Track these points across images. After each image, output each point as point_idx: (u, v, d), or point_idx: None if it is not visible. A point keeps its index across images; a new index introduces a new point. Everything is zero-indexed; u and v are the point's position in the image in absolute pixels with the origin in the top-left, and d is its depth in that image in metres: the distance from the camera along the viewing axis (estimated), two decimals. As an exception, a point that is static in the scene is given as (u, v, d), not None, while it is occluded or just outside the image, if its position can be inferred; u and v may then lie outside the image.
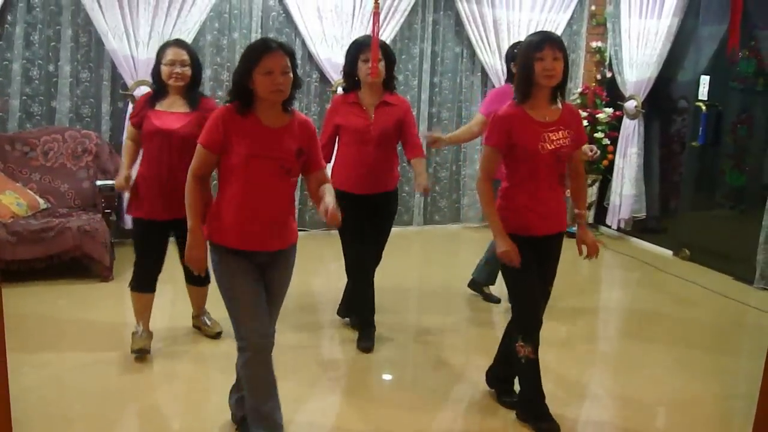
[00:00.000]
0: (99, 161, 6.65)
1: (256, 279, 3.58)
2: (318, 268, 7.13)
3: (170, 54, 4.63)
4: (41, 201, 6.32)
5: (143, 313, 4.89)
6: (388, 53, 4.91)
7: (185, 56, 4.65)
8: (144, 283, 4.83)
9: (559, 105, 4.01)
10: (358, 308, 5.34)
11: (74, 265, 6.15)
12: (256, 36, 7.46)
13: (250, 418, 3.65)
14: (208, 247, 3.61)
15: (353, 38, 7.48)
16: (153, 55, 6.75)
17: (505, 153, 3.96)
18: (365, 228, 5.03)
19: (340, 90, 7.71)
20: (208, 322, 5.22)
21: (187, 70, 4.64)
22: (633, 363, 5.13)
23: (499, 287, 5.87)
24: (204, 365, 4.82)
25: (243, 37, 7.45)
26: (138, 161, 4.86)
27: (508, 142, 3.90)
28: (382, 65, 4.81)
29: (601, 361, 5.22)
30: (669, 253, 7.93)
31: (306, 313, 5.80)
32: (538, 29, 8.17)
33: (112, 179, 6.56)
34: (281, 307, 3.80)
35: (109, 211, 6.47)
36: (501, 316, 5.90)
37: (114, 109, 7.13)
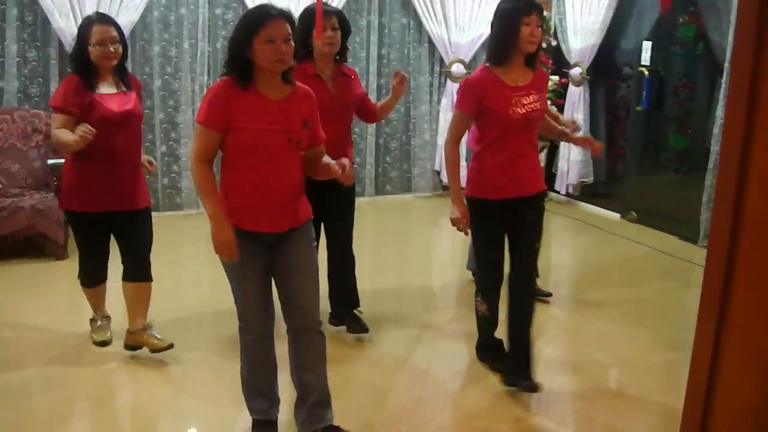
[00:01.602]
0: (49, 140, 6.61)
1: (262, 264, 3.42)
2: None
3: (98, 33, 4.18)
4: (-8, 182, 6.29)
5: (98, 302, 4.79)
6: (344, 22, 4.64)
7: (114, 33, 4.23)
8: (94, 278, 4.67)
9: (532, 71, 4.06)
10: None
11: (28, 244, 6.15)
12: (203, 11, 7.47)
13: (247, 391, 3.61)
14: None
15: (300, 11, 7.58)
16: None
17: (476, 117, 4.03)
18: (328, 220, 4.83)
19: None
20: (157, 334, 4.56)
21: (119, 47, 4.26)
22: (583, 321, 5.29)
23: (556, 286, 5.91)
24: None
25: (190, 13, 7.44)
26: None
27: (479, 106, 3.96)
28: (338, 35, 4.54)
29: (551, 321, 5.35)
30: (616, 216, 8.11)
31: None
32: (484, 0, 8.27)
33: (63, 158, 6.55)
34: (315, 288, 3.52)
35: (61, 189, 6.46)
36: (456, 281, 6.00)
37: (62, 88, 7.08)
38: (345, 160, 3.42)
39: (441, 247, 7.35)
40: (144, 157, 4.55)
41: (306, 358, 3.54)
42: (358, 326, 4.88)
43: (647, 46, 7.63)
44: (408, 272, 6.30)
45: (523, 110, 3.95)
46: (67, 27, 6.76)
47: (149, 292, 4.62)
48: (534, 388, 4.07)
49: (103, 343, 4.68)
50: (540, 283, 5.46)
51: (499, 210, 4.05)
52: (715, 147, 6.69)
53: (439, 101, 8.83)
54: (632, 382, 4.41)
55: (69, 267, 5.99)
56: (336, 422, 3.57)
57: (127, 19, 6.95)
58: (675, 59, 7.57)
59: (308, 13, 4.50)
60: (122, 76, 4.36)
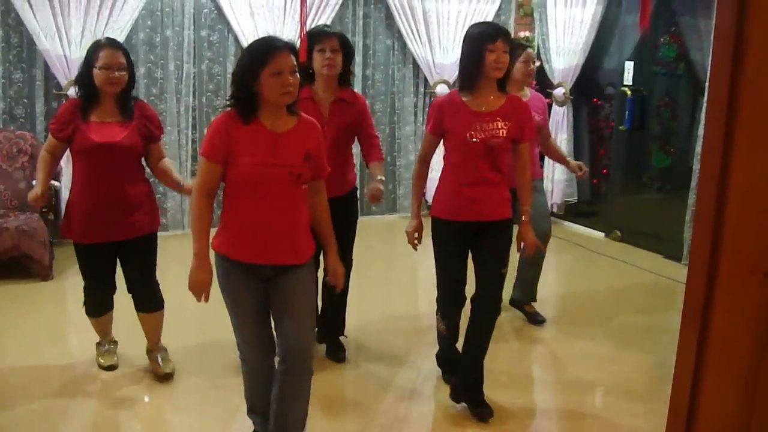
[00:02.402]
0: (35, 161, 6.59)
1: (259, 298, 3.38)
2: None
3: (105, 57, 4.05)
4: (-23, 203, 6.28)
5: (104, 329, 4.68)
6: (346, 45, 4.53)
7: (122, 59, 4.11)
8: (100, 308, 4.56)
9: (503, 97, 4.01)
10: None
11: (13, 265, 6.12)
12: (189, 33, 7.50)
13: (247, 405, 3.70)
14: (215, 257, 3.36)
15: (285, 33, 7.63)
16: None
17: (440, 139, 4.10)
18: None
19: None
20: (160, 361, 4.55)
21: (125, 75, 4.12)
22: (568, 340, 5.31)
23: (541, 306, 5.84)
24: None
25: (176, 35, 7.46)
26: (60, 181, 4.65)
27: (440, 128, 4.02)
28: (339, 57, 4.42)
29: (537, 339, 5.37)
30: (601, 235, 8.16)
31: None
32: (468, 20, 8.34)
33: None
34: (310, 326, 3.50)
35: (46, 210, 6.45)
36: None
37: (48, 109, 7.08)
38: (340, 275, 3.56)
39: (426, 267, 7.36)
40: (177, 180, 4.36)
41: (289, 394, 3.43)
42: (339, 354, 4.83)
43: (629, 66, 7.71)
44: (393, 293, 6.31)
45: (482, 135, 3.91)
46: (52, 48, 6.77)
47: (161, 318, 4.56)
48: (486, 414, 4.09)
49: (111, 368, 4.59)
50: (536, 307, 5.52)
51: (458, 232, 4.07)
52: (697, 165, 6.75)
53: (423, 122, 8.86)
54: (616, 400, 4.43)
55: (55, 288, 6.02)
56: None
57: (112, 40, 6.97)
58: (657, 79, 7.64)
59: (308, 36, 4.41)
60: (124, 105, 4.19)
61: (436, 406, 4.30)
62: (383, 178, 4.66)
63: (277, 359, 3.47)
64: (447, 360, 4.48)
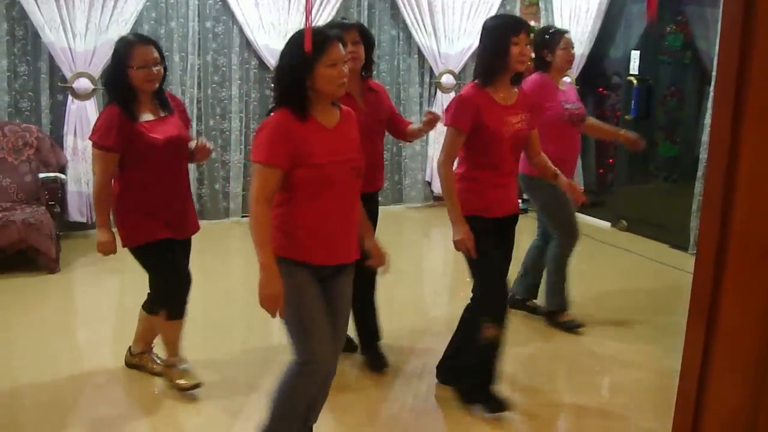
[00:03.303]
0: (40, 154, 6.62)
1: (322, 297, 3.20)
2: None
3: (141, 54, 3.88)
4: (-17, 196, 6.28)
5: (176, 341, 4.29)
6: (366, 36, 4.39)
7: (156, 53, 3.94)
8: (183, 305, 4.19)
9: (516, 89, 4.03)
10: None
11: (20, 258, 6.13)
12: (193, 25, 7.49)
13: (298, 425, 3.33)
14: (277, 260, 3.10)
15: (290, 24, 7.63)
16: (91, 47, 6.84)
17: (468, 135, 3.92)
18: None
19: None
20: (182, 369, 4.32)
21: (161, 69, 3.96)
22: (572, 331, 5.30)
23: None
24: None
25: (180, 26, 7.45)
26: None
27: (474, 124, 3.87)
28: (361, 49, 4.30)
29: (542, 330, 5.36)
30: (607, 225, 8.15)
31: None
32: (473, 10, 8.33)
33: (54, 172, 6.57)
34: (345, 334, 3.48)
35: (53, 203, 6.47)
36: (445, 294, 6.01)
37: (53, 102, 7.10)
38: (385, 257, 3.47)
39: (433, 257, 7.37)
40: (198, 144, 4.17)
41: (318, 398, 3.35)
42: (381, 361, 4.66)
43: (635, 55, 7.69)
44: (400, 283, 6.31)
45: (512, 129, 3.92)
46: (57, 41, 6.76)
47: (182, 326, 4.28)
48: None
49: (197, 386, 4.21)
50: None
51: (494, 227, 4.01)
52: (704, 155, 6.73)
53: (429, 112, 8.86)
54: (624, 389, 4.44)
55: (62, 280, 6.03)
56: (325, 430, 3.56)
57: (117, 33, 6.94)
58: (663, 68, 7.62)
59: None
60: (161, 100, 4.08)
61: (449, 398, 4.31)
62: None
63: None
64: (494, 375, 4.13)
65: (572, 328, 5.27)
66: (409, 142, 4.65)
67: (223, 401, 4.19)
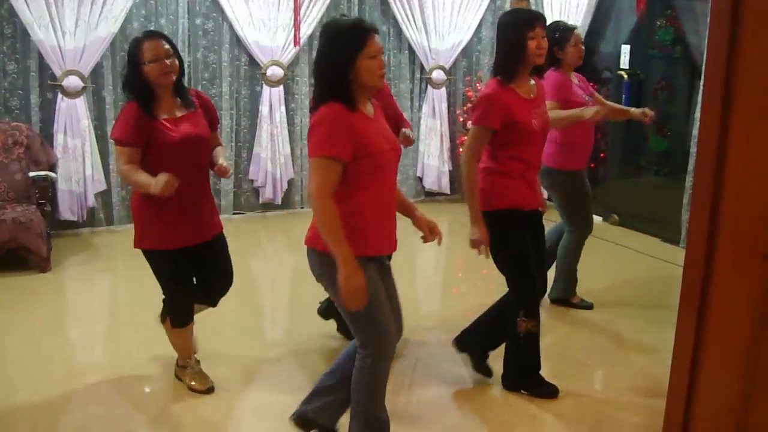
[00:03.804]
0: (30, 153, 6.59)
1: (384, 287, 3.26)
2: (257, 251, 7.23)
3: (150, 49, 3.82)
4: (-27, 195, 6.25)
5: (188, 343, 4.30)
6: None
7: (166, 46, 3.86)
8: (188, 316, 4.18)
9: (533, 81, 4.07)
10: None
11: (11, 257, 6.10)
12: (183, 22, 7.47)
13: (358, 425, 3.38)
14: (322, 258, 3.14)
15: (280, 20, 7.61)
16: (80, 45, 6.82)
17: (497, 132, 3.91)
18: None
19: (272, 71, 7.79)
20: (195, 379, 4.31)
21: (175, 61, 3.88)
22: (566, 323, 5.32)
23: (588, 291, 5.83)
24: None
25: (170, 23, 7.43)
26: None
27: (504, 121, 3.86)
28: None
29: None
30: (599, 219, 8.13)
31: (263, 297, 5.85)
32: (463, 6, 8.34)
33: (44, 170, 6.55)
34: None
35: (43, 201, 6.44)
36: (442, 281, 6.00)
37: (43, 100, 7.06)
38: (435, 226, 3.45)
39: (425, 253, 7.37)
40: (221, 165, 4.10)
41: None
42: None
43: (626, 49, 7.70)
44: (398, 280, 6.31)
45: (539, 121, 3.97)
46: (46, 39, 6.74)
47: (188, 334, 4.28)
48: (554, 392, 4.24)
49: (209, 390, 4.22)
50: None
51: (526, 221, 4.06)
52: (694, 149, 6.74)
53: (420, 108, 8.86)
54: (615, 382, 4.44)
55: (53, 279, 6.01)
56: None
57: (106, 30, 6.94)
58: (653, 62, 7.63)
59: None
60: (182, 95, 4.00)
61: (442, 392, 4.32)
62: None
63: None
64: (534, 369, 4.23)
65: (584, 307, 5.53)
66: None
67: (215, 402, 4.19)
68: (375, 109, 3.27)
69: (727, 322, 2.61)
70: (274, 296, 6.07)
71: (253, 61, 7.87)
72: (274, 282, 6.43)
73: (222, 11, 7.61)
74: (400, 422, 3.88)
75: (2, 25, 6.86)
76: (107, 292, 6.03)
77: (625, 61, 7.69)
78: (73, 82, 6.90)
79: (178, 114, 3.95)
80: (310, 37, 7.78)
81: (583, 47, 5.30)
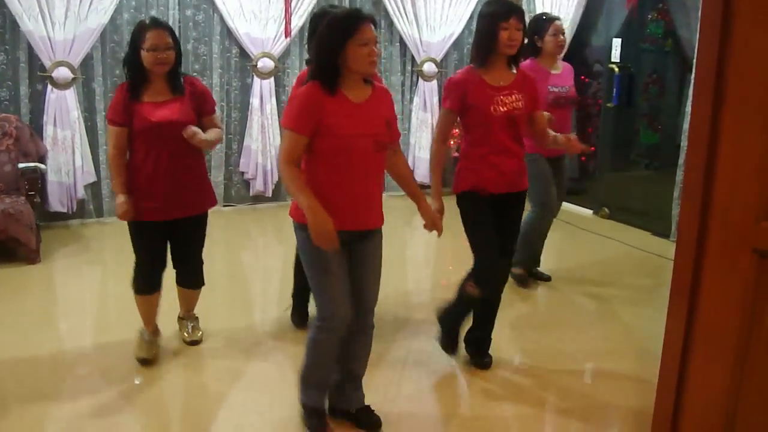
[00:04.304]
0: (20, 144, 6.56)
1: (344, 263, 3.47)
2: (247, 243, 7.22)
3: (151, 38, 4.08)
4: (-38, 186, 6.22)
5: (150, 315, 4.56)
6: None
7: (168, 38, 4.13)
8: (151, 285, 4.46)
9: (514, 71, 4.19)
10: None
11: (0, 249, 6.09)
12: (174, 13, 7.44)
13: (305, 383, 3.69)
14: (298, 227, 3.45)
15: (271, 12, 7.59)
16: (70, 36, 6.79)
17: (460, 115, 4.17)
18: None
19: (263, 63, 7.77)
20: (189, 329, 4.77)
21: (171, 54, 4.15)
22: (556, 317, 5.33)
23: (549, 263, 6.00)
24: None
25: (160, 14, 7.38)
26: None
27: (462, 104, 4.10)
28: None
29: (525, 317, 5.38)
30: (589, 212, 8.17)
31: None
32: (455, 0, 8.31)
33: (33, 162, 6.52)
34: (378, 286, 3.70)
35: (32, 193, 6.41)
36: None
37: (33, 92, 7.03)
38: (437, 219, 3.78)
39: (415, 246, 7.37)
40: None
41: (358, 350, 3.72)
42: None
43: (617, 43, 7.70)
44: (383, 272, 6.30)
45: (505, 108, 4.07)
46: (36, 30, 6.71)
47: (198, 295, 4.75)
48: (488, 364, 4.48)
49: (145, 362, 4.45)
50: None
51: (488, 203, 4.20)
52: (685, 143, 6.75)
53: (411, 100, 8.86)
54: (604, 375, 4.46)
55: (42, 271, 6.00)
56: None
57: (96, 21, 6.91)
58: (645, 56, 7.64)
59: (314, 17, 4.39)
60: (174, 83, 4.24)
61: (433, 383, 4.32)
62: None
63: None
64: (456, 322, 4.52)
65: (543, 279, 6.01)
66: None
67: (205, 395, 4.18)
68: (379, 96, 3.46)
69: (718, 315, 2.62)
70: (264, 288, 6.05)
71: (243, 53, 7.85)
72: (264, 274, 6.41)
73: (212, 3, 7.59)
74: (391, 413, 3.89)
75: (-9, 15, 6.82)
76: (97, 284, 6.01)
77: (616, 55, 7.69)
78: (62, 73, 6.88)
79: (161, 99, 4.20)
80: (301, 29, 7.76)
81: (563, 37, 5.49)
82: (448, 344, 4.56)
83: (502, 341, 4.76)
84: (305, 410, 3.75)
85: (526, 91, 4.18)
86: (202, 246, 4.58)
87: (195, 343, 4.70)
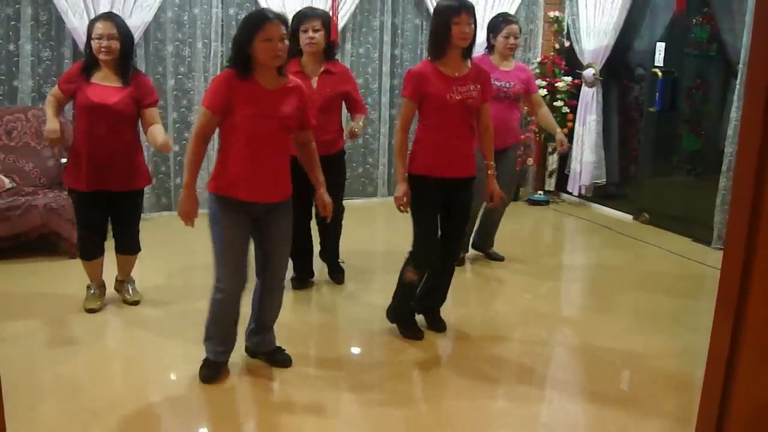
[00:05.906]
0: (63, 139, 6.61)
1: (246, 234, 4.01)
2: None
3: (99, 28, 4.71)
4: (6, 180, 6.30)
5: (95, 274, 5.20)
6: (328, 24, 5.19)
7: (113, 30, 4.72)
8: (92, 252, 5.10)
9: (469, 63, 4.55)
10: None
11: (42, 243, 6.16)
12: (217, 11, 7.47)
13: (206, 335, 4.20)
14: (209, 198, 3.98)
15: (314, 9, 7.59)
16: (114, 32, 6.81)
17: (419, 103, 4.50)
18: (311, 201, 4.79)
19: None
20: (130, 290, 5.33)
21: (114, 44, 4.72)
22: (596, 323, 5.28)
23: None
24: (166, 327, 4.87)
25: (204, 13, 7.44)
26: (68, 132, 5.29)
27: (420, 92, 4.45)
28: (320, 35, 5.14)
29: (565, 321, 5.35)
30: (629, 217, 8.09)
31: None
32: (498, 1, 8.28)
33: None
34: (288, 251, 4.23)
35: (74, 188, 6.50)
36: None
37: (76, 87, 7.09)
38: (329, 206, 4.31)
39: (394, 237, 7.33)
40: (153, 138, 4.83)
41: (270, 305, 4.28)
42: (338, 276, 5.83)
43: (660, 47, 7.61)
44: (372, 271, 6.29)
45: (460, 96, 4.43)
46: (81, 26, 6.76)
47: (135, 260, 5.28)
48: (444, 327, 4.95)
49: (92, 311, 5.08)
50: (553, 282, 5.47)
51: (436, 187, 4.52)
52: (728, 148, 6.68)
53: (451, 102, 8.83)
54: (645, 384, 4.40)
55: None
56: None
57: (140, 18, 6.97)
58: (688, 60, 7.54)
59: (294, 18, 5.20)
60: (123, 73, 4.80)
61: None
62: (361, 123, 5.45)
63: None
64: (407, 310, 4.87)
65: (497, 257, 6.45)
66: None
67: (193, 389, 4.19)
68: (292, 89, 4.00)
69: (766, 326, 2.57)
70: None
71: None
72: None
73: (255, 1, 7.60)
74: (370, 397, 3.88)
75: (37, 11, 6.90)
76: (135, 276, 6.04)
77: (659, 59, 7.60)
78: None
79: (108, 83, 4.77)
80: (343, 30, 7.78)
81: (514, 41, 5.90)
82: (410, 332, 4.84)
83: (538, 346, 4.72)
84: (204, 364, 4.20)
85: (479, 83, 4.54)
86: (138, 219, 5.16)
87: (136, 303, 5.25)
